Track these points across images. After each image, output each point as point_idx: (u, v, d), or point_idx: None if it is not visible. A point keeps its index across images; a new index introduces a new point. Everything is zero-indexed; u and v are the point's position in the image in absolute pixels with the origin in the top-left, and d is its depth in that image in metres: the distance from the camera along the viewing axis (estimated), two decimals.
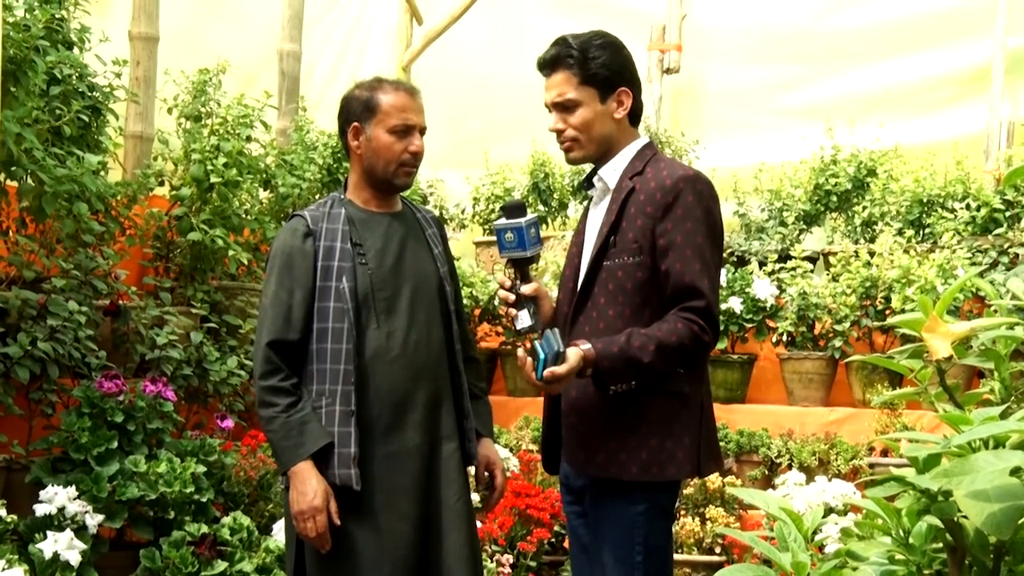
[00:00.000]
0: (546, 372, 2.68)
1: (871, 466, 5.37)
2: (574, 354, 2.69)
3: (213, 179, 5.42)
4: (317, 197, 6.53)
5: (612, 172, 2.92)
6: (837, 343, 5.99)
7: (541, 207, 7.64)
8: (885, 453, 5.41)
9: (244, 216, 5.78)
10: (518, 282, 2.91)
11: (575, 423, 2.89)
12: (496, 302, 6.51)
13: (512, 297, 2.89)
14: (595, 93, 2.88)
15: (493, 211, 7.65)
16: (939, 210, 6.46)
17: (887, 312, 5.90)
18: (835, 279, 6.18)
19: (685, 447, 2.77)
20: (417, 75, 8.39)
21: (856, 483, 5.16)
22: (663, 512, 2.83)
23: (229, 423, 5.13)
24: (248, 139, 5.75)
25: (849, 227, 6.93)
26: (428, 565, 3.04)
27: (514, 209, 2.92)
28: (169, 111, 5.83)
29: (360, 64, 8.71)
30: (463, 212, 7.96)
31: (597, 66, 2.87)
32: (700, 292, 2.72)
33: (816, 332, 6.14)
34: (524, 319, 2.88)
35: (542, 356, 2.70)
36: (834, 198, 7.00)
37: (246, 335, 5.59)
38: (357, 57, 8.94)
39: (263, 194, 6.26)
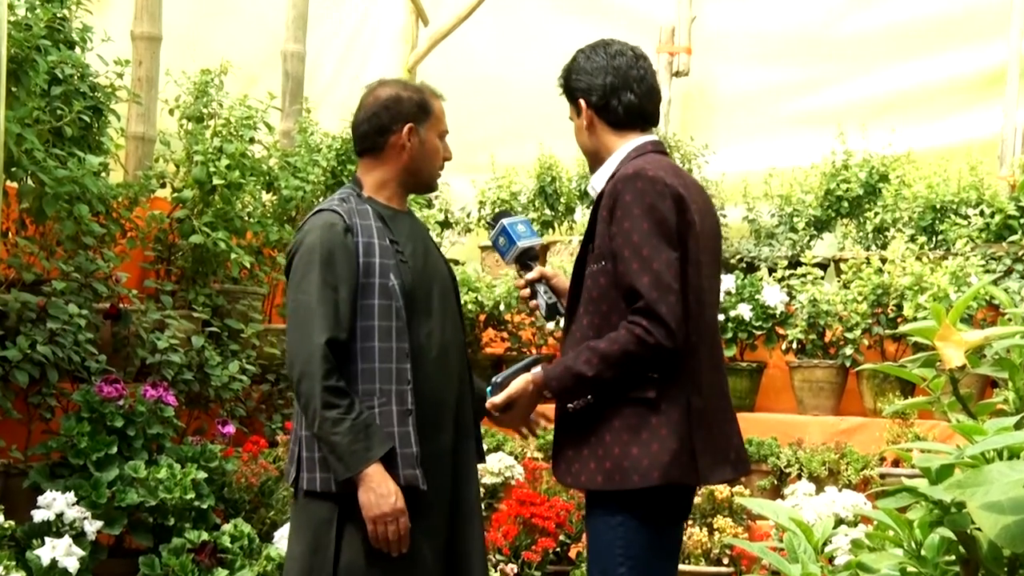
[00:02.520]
0: (487, 404, 2.92)
1: (882, 476, 5.36)
2: (520, 381, 2.88)
3: (215, 181, 5.43)
4: (321, 199, 6.53)
5: (600, 179, 2.97)
6: (848, 351, 5.98)
7: (548, 211, 7.64)
8: (896, 463, 5.40)
9: (247, 219, 5.79)
10: (525, 275, 3.11)
11: (556, 432, 2.96)
12: (503, 308, 6.51)
13: (527, 292, 3.10)
14: (573, 110, 3.03)
15: None
16: (952, 216, 6.45)
17: (899, 320, 5.88)
18: (846, 286, 6.17)
19: (653, 454, 2.75)
20: (422, 77, 8.39)
21: (867, 494, 5.15)
22: (645, 522, 2.81)
23: (230, 429, 5.13)
24: (251, 141, 5.76)
25: (861, 233, 6.91)
26: (451, 561, 3.11)
27: (495, 217, 3.18)
28: (171, 112, 5.84)
29: (365, 66, 8.71)
30: (468, 216, 7.96)
31: (563, 80, 3.03)
32: (638, 292, 2.74)
33: (827, 340, 6.13)
34: (541, 303, 3.07)
35: (488, 388, 2.91)
36: (845, 204, 6.99)
37: (248, 339, 5.60)
38: (361, 59, 8.94)
39: (266, 196, 6.26)
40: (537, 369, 2.89)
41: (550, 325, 6.32)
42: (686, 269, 2.80)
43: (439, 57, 8.21)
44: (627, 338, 2.73)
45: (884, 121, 7.22)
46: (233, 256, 5.46)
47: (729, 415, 2.97)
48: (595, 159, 3.02)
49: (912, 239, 6.39)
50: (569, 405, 2.85)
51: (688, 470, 2.78)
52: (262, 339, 5.77)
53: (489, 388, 2.92)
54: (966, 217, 6.44)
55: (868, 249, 6.70)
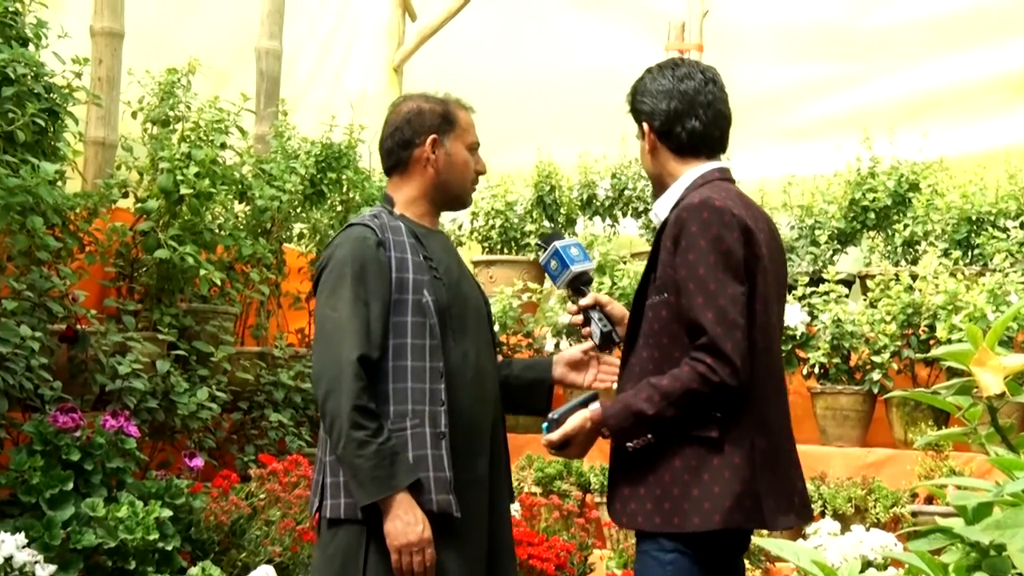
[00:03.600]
0: (542, 440, 3.03)
1: (914, 515, 5.35)
2: (578, 418, 2.98)
3: (183, 190, 5.42)
4: (299, 210, 6.54)
5: (663, 206, 3.10)
6: (875, 376, 5.97)
7: (546, 223, 7.65)
8: (929, 500, 5.38)
9: (217, 232, 5.78)
10: (578, 300, 3.27)
11: (611, 470, 3.07)
12: (498, 328, 6.51)
13: (580, 318, 3.25)
14: (639, 131, 3.15)
15: (494, 227, 7.65)
16: (990, 229, 6.46)
17: (931, 342, 5.88)
18: (873, 305, 6.17)
19: (715, 497, 2.85)
20: (410, 76, 8.40)
21: (897, 534, 5.14)
22: (697, 562, 2.91)
23: (198, 462, 5.11)
24: (222, 146, 5.76)
25: (889, 247, 6.92)
26: None
27: (547, 239, 3.32)
28: (134, 115, 5.83)
29: (346, 64, 8.73)
30: (460, 228, 7.97)
31: (630, 100, 3.17)
32: (703, 328, 2.84)
33: (852, 364, 6.12)
34: (595, 330, 3.21)
35: (545, 424, 3.03)
36: (872, 215, 7.00)
37: (218, 364, 5.59)
38: (342, 56, 8.96)
39: (238, 207, 6.26)
40: (595, 405, 2.99)
41: (549, 347, 6.33)
42: (753, 304, 2.91)
43: (428, 55, 8.22)
44: (690, 376, 2.83)
45: (914, 124, 7.24)
46: (202, 272, 5.44)
47: (793, 458, 3.07)
48: (658, 184, 3.15)
49: (945, 254, 6.39)
50: (629, 444, 2.95)
51: (751, 515, 2.88)
52: (234, 363, 5.76)
53: (545, 424, 3.03)
54: (1005, 230, 6.44)
55: (897, 264, 6.70)
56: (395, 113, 3.33)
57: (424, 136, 3.26)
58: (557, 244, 3.26)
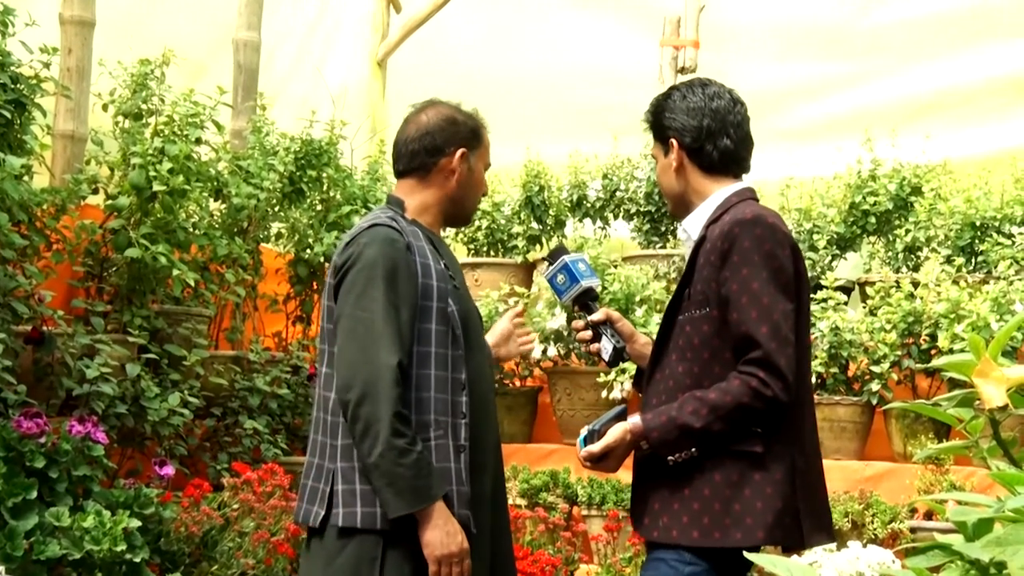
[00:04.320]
0: (582, 453, 3.11)
1: (912, 531, 5.36)
2: (617, 430, 3.06)
3: (156, 187, 5.41)
4: (277, 209, 6.52)
5: (695, 223, 3.20)
6: (874, 387, 5.98)
7: (535, 224, 7.64)
8: (929, 516, 5.39)
9: (191, 230, 5.77)
10: (587, 316, 3.38)
11: (639, 483, 3.17)
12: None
13: (589, 334, 3.36)
14: (660, 147, 3.27)
15: (480, 228, 7.65)
16: (994, 235, 6.47)
17: (932, 352, 5.89)
18: (872, 313, 6.18)
19: (757, 512, 2.94)
20: (394, 71, 8.40)
21: (895, 550, 5.15)
22: (713, 574, 3.00)
23: (169, 470, 5.09)
24: (197, 141, 5.74)
25: (889, 253, 6.93)
26: None
27: (554, 253, 3.44)
28: (105, 107, 5.81)
29: (327, 57, 8.71)
30: (443, 230, 7.96)
31: (652, 118, 3.29)
32: (756, 342, 2.93)
33: (850, 374, 6.13)
34: (606, 346, 3.31)
35: (581, 436, 3.12)
36: (872, 219, 7.01)
37: (191, 368, 5.57)
38: (324, 49, 8.94)
39: (214, 205, 6.24)
40: (635, 418, 3.05)
41: (536, 353, 6.32)
42: (799, 321, 3.03)
43: (413, 48, 8.21)
44: (741, 389, 2.93)
45: (917, 126, 7.24)
46: (175, 273, 5.43)
47: (823, 476, 3.17)
48: (680, 201, 3.26)
49: (948, 260, 6.40)
50: (670, 457, 3.02)
51: (791, 532, 2.99)
52: (207, 367, 5.74)
53: (582, 437, 3.10)
54: (1010, 236, 6.45)
55: (898, 271, 6.71)
56: (425, 116, 3.38)
57: (455, 147, 3.33)
58: (566, 258, 3.37)
